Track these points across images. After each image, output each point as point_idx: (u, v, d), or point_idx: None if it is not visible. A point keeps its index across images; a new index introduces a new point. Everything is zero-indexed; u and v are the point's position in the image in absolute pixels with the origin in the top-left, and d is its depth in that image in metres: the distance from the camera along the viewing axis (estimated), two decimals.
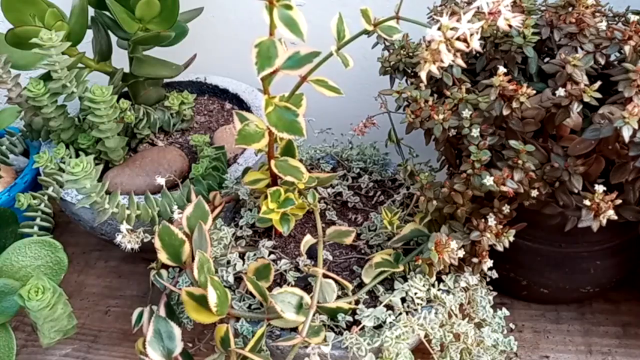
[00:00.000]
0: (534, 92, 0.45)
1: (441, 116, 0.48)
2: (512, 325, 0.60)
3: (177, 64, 0.73)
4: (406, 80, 0.63)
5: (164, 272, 0.59)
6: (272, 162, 0.53)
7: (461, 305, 0.53)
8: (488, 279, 0.55)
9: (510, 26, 0.37)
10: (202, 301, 0.49)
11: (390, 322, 0.48)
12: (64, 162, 0.65)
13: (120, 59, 0.73)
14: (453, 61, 0.36)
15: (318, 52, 0.42)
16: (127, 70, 0.71)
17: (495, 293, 0.56)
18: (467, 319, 0.53)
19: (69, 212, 0.67)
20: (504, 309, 0.55)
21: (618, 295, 0.67)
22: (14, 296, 0.53)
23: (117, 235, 0.54)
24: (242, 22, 0.83)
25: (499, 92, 0.46)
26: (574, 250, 0.60)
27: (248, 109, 0.77)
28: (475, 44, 0.35)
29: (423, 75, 0.36)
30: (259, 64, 0.37)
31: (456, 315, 0.52)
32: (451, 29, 0.35)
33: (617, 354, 0.62)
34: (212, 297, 0.48)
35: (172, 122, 0.71)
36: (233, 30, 0.84)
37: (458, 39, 0.35)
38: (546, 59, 0.59)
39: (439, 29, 0.35)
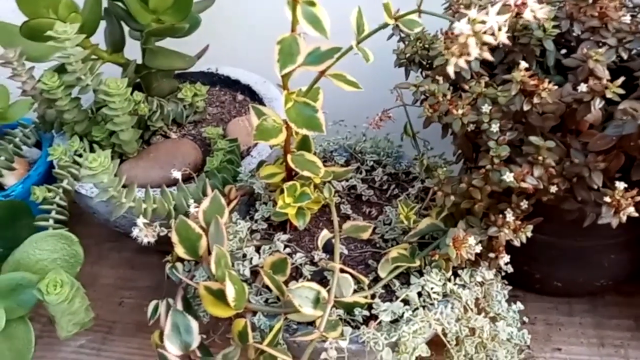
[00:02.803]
0: (556, 87, 0.45)
1: (460, 111, 0.48)
2: (525, 319, 0.61)
3: (190, 55, 0.72)
4: (421, 73, 0.62)
5: (179, 265, 0.59)
6: (289, 156, 0.53)
7: (476, 299, 0.53)
8: (503, 273, 0.55)
9: (535, 18, 0.37)
10: (219, 295, 0.50)
11: (408, 317, 0.48)
12: (78, 155, 0.65)
13: (131, 50, 0.72)
14: (479, 55, 0.35)
15: (339, 47, 0.42)
16: (139, 61, 0.71)
17: (510, 287, 0.56)
18: (482, 313, 0.53)
19: (84, 205, 0.67)
20: (518, 303, 0.55)
21: (630, 287, 0.67)
22: (32, 289, 0.53)
23: (134, 229, 0.54)
24: (253, 13, 0.83)
25: (520, 87, 0.45)
26: (588, 243, 0.60)
27: (260, 101, 0.77)
28: (503, 37, 0.35)
29: (450, 69, 0.36)
30: (282, 61, 0.37)
31: (472, 310, 0.52)
32: (480, 22, 0.34)
33: (629, 347, 0.62)
34: (230, 292, 0.48)
35: (185, 114, 0.71)
36: (244, 21, 0.83)
37: (485, 32, 0.35)
38: (562, 51, 0.58)
39: (467, 22, 0.35)
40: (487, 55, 0.36)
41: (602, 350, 0.62)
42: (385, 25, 0.42)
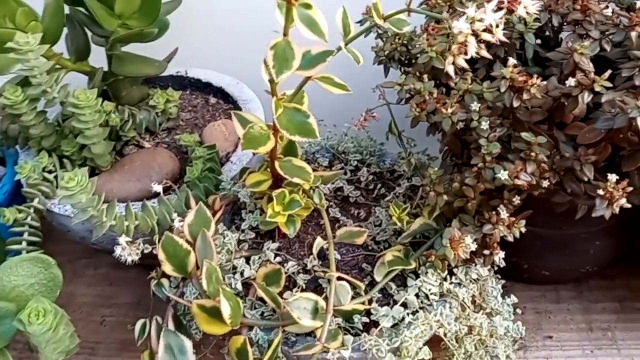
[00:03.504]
0: (545, 83, 0.44)
1: (450, 110, 0.47)
2: (518, 310, 0.61)
3: (158, 59, 0.69)
4: (401, 70, 0.61)
5: (165, 281, 0.57)
6: (277, 163, 0.51)
7: (472, 296, 0.53)
8: (495, 268, 0.55)
9: (528, 14, 0.36)
10: (214, 313, 0.48)
11: (409, 321, 0.48)
12: (48, 171, 0.61)
13: (95, 57, 0.69)
14: (477, 53, 0.35)
15: (331, 50, 0.40)
16: (105, 68, 0.67)
17: (503, 281, 0.56)
18: (479, 310, 0.53)
19: (56, 223, 0.64)
20: (512, 296, 0.56)
21: (612, 271, 0.69)
22: (10, 320, 0.50)
23: (116, 247, 0.52)
24: (222, 12, 0.80)
25: (509, 84, 0.45)
26: (573, 232, 0.60)
27: (235, 103, 0.75)
28: (500, 35, 0.34)
29: (451, 69, 0.35)
30: (277, 67, 0.35)
31: (469, 308, 0.52)
32: (478, 20, 0.33)
33: (616, 329, 0.64)
34: (226, 309, 0.46)
35: (158, 121, 0.68)
36: (212, 21, 0.80)
37: (484, 30, 0.34)
38: (537, 41, 0.58)
39: (467, 20, 0.34)
40: (485, 53, 0.36)
41: (591, 335, 0.63)
42: (374, 26, 0.41)
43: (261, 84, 0.77)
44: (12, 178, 0.68)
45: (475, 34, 0.34)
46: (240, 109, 0.72)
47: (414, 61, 0.60)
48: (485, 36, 0.34)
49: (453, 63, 0.35)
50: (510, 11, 0.37)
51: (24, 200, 0.70)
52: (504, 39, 0.35)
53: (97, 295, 0.72)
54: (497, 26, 0.34)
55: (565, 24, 0.55)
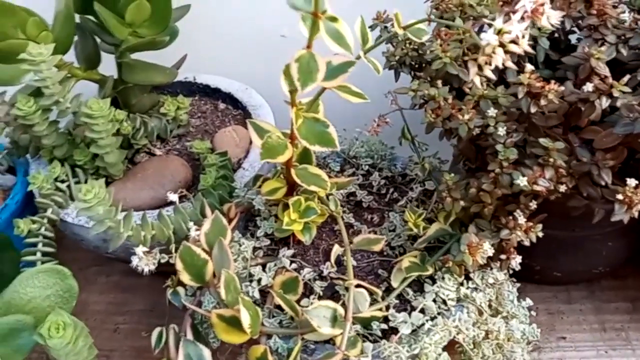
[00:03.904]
0: (562, 88, 0.44)
1: (466, 116, 0.47)
2: (532, 312, 0.61)
3: (168, 67, 0.69)
4: (411, 74, 0.61)
5: (181, 290, 0.57)
6: (293, 171, 0.51)
7: (489, 300, 0.53)
8: (511, 272, 0.55)
9: (551, 25, 0.36)
10: (233, 322, 0.48)
11: (429, 328, 0.48)
12: (61, 181, 0.61)
13: (102, 65, 0.69)
14: (503, 64, 0.35)
15: (352, 61, 0.40)
16: (114, 76, 0.67)
17: (519, 285, 0.56)
18: (495, 314, 0.53)
19: (69, 233, 0.64)
20: (527, 299, 0.56)
21: (624, 271, 0.69)
22: (28, 333, 0.50)
23: (132, 258, 0.52)
24: (229, 19, 0.80)
25: (526, 90, 0.45)
26: (586, 233, 0.61)
27: (244, 109, 0.75)
28: (526, 45, 0.35)
29: (477, 81, 0.35)
30: (302, 80, 0.35)
31: (486, 312, 0.52)
32: (506, 32, 0.34)
33: (629, 329, 0.64)
34: (245, 318, 0.46)
35: (169, 128, 0.68)
36: (220, 28, 0.80)
37: (511, 41, 0.34)
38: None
39: (494, 32, 0.34)
40: (511, 64, 0.36)
41: (605, 335, 0.64)
42: (394, 36, 0.41)
43: (268, 89, 0.78)
44: (24, 188, 0.68)
45: (502, 44, 0.34)
46: (250, 115, 0.72)
47: (424, 66, 0.60)
48: (513, 47, 0.34)
49: (479, 73, 0.35)
50: (533, 22, 0.37)
51: (35, 209, 0.70)
52: (529, 49, 0.35)
53: (109, 303, 0.72)
54: (522, 37, 0.34)
55: (576, 27, 0.55)
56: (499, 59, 0.34)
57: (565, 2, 0.53)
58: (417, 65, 0.61)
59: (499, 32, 0.35)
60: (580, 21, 0.53)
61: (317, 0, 0.35)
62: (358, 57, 0.42)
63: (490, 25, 0.36)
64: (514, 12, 0.36)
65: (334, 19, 0.34)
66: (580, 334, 0.64)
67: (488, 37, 0.34)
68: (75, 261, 0.77)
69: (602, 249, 0.62)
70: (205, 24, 0.78)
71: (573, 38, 0.61)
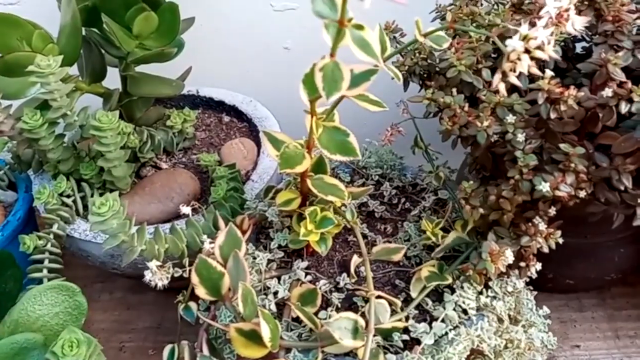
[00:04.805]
0: (582, 94, 0.45)
1: (485, 123, 0.47)
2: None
3: (173, 79, 0.68)
4: (421, 84, 0.61)
5: (193, 304, 0.55)
6: (309, 181, 0.50)
7: (508, 309, 0.52)
8: (527, 280, 0.55)
9: (575, 30, 0.37)
10: (252, 336, 0.47)
11: (452, 338, 0.47)
12: (67, 196, 0.60)
13: (105, 78, 0.68)
14: (528, 70, 0.35)
15: (374, 69, 0.40)
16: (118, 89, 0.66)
17: (536, 292, 0.56)
18: (514, 322, 0.53)
19: (75, 248, 0.62)
20: (544, 307, 0.56)
21: (635, 278, 0.69)
22: (38, 351, 0.48)
23: (145, 272, 0.50)
24: (232, 31, 0.79)
25: (546, 96, 0.45)
26: (599, 240, 0.61)
27: (249, 121, 0.74)
28: (552, 52, 0.34)
29: (502, 87, 0.35)
30: (327, 89, 0.35)
31: (506, 321, 0.51)
32: (532, 38, 0.33)
33: None
34: (266, 332, 0.45)
35: (175, 141, 0.67)
36: (223, 40, 0.80)
37: (537, 48, 0.34)
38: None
39: (521, 39, 0.34)
40: (536, 71, 0.36)
41: (619, 342, 0.64)
42: (415, 42, 0.41)
43: (272, 101, 0.78)
44: (25, 204, 0.66)
45: (527, 51, 0.34)
46: (256, 127, 0.72)
47: (433, 75, 0.60)
48: (539, 54, 0.34)
49: (504, 80, 0.35)
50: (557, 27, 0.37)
51: (36, 225, 0.69)
52: (555, 55, 0.35)
53: (114, 321, 0.71)
54: (548, 43, 0.34)
55: (586, 35, 0.56)
56: (525, 65, 0.34)
57: (575, 10, 0.54)
58: (426, 75, 0.62)
59: (524, 38, 0.35)
60: (588, 30, 0.53)
61: (343, 8, 0.35)
62: (377, 66, 0.42)
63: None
64: (539, 19, 0.36)
65: (359, 27, 0.34)
66: (594, 342, 0.64)
67: (514, 44, 0.34)
68: (77, 278, 0.74)
69: (614, 255, 0.62)
70: (208, 36, 0.78)
71: (578, 46, 0.62)
